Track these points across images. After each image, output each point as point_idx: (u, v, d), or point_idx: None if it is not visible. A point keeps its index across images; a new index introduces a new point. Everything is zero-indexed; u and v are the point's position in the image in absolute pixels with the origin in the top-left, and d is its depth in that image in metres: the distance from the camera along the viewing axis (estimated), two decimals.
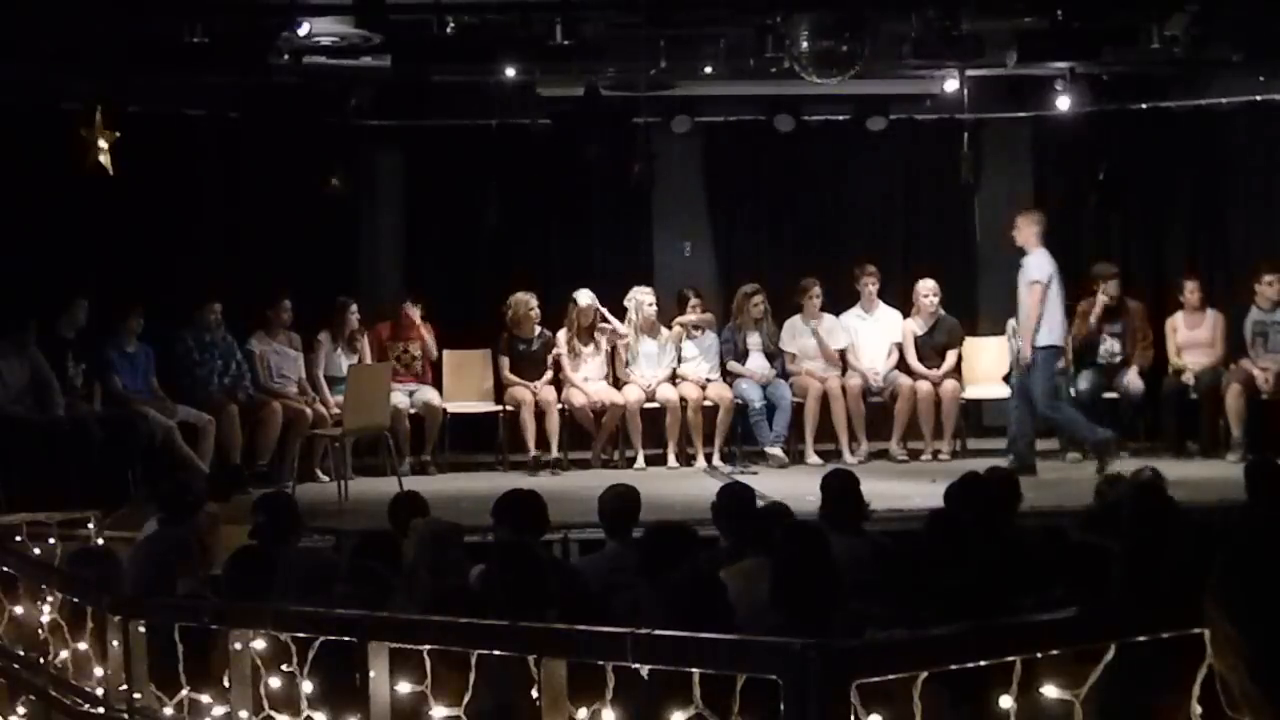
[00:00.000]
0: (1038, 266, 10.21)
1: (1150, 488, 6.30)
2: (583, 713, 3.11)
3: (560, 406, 11.08)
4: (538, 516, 6.51)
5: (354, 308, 11.15)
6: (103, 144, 9.73)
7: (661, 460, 11.09)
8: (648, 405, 11.20)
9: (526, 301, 11.29)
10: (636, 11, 9.76)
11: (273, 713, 3.79)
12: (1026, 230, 10.35)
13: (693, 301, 11.58)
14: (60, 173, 10.02)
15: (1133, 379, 11.11)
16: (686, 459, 11.14)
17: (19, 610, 5.18)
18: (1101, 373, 11.20)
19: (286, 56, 9.86)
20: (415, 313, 11.33)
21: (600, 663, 2.91)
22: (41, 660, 5.01)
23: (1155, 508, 5.65)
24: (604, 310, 11.35)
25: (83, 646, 4.75)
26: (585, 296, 11.30)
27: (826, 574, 5.06)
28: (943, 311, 11.58)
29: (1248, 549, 1.71)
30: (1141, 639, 2.63)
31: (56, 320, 9.95)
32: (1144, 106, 12.04)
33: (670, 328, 11.49)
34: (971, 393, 11.59)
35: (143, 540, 6.88)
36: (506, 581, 4.80)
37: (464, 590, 5.25)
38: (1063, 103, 11.43)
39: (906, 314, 11.59)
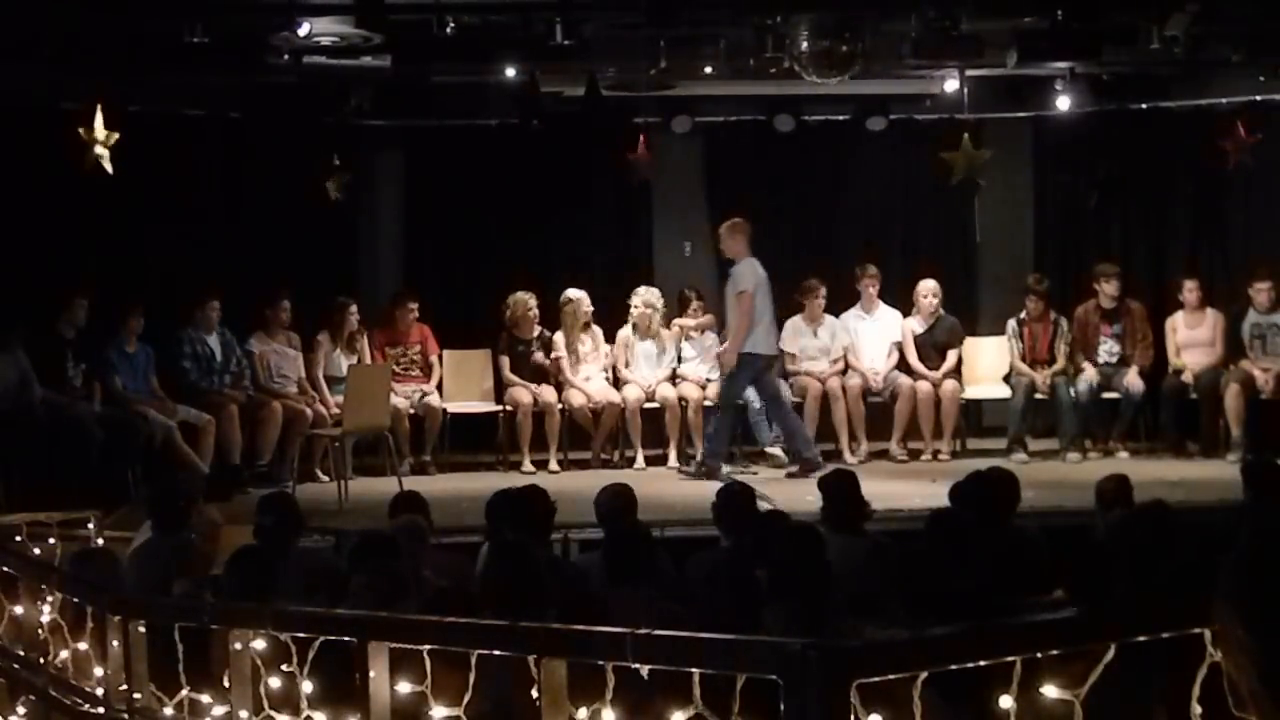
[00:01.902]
0: (744, 275, 10.26)
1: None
2: (583, 713, 3.11)
3: (560, 407, 11.08)
4: (535, 516, 6.51)
5: (353, 308, 11.14)
6: (103, 144, 9.72)
7: (661, 460, 11.09)
8: (647, 405, 11.20)
9: (525, 301, 11.29)
10: (636, 11, 9.75)
11: (273, 713, 3.79)
12: (732, 242, 10.42)
13: (694, 304, 11.57)
14: (60, 173, 10.01)
15: (1133, 379, 11.10)
16: (686, 459, 11.13)
17: (19, 610, 5.18)
18: (1101, 373, 11.19)
19: (286, 56, 9.86)
20: (412, 312, 11.34)
21: (600, 663, 2.91)
22: (41, 660, 5.01)
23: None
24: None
25: (83, 646, 4.76)
26: (573, 293, 11.33)
27: (823, 575, 5.07)
28: (943, 311, 11.57)
29: (1258, 550, 1.68)
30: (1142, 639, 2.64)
31: (56, 320, 9.95)
32: (1144, 106, 12.04)
33: (669, 328, 11.49)
34: (971, 393, 11.60)
35: (137, 548, 6.86)
36: (503, 581, 4.80)
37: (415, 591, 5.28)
38: (1063, 103, 11.44)
39: (906, 314, 11.59)
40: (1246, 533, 1.77)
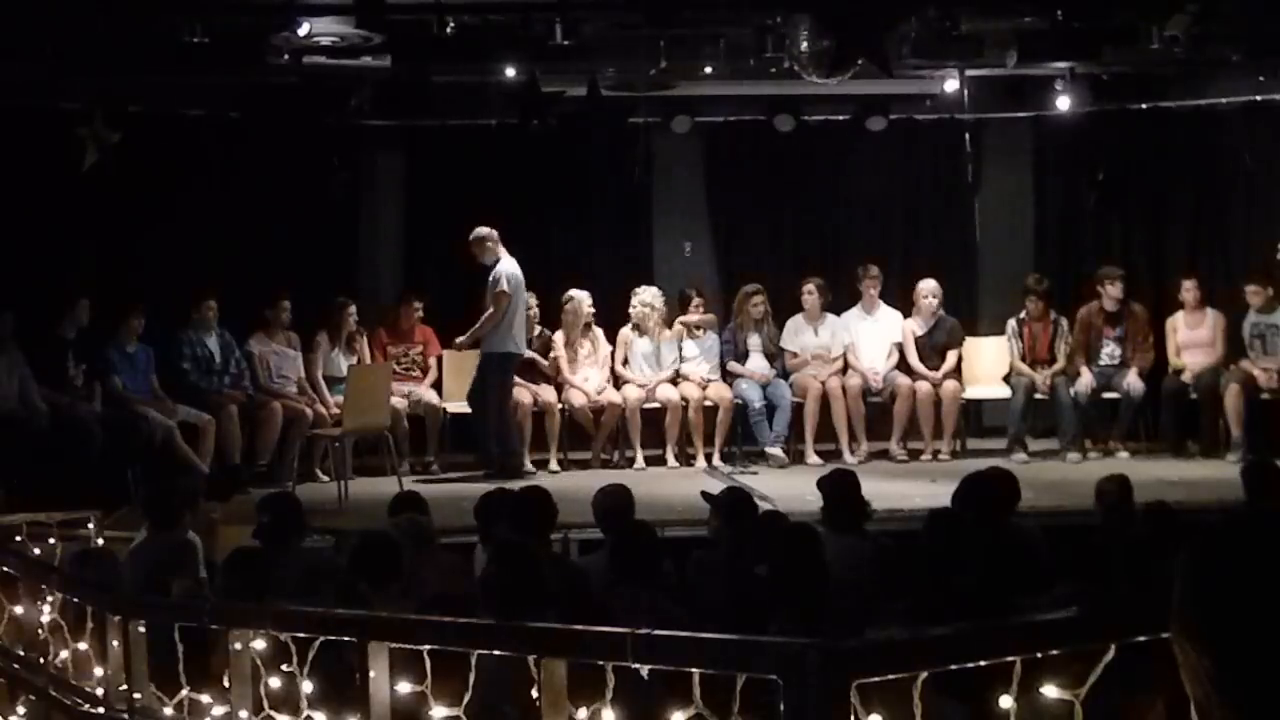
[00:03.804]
0: (501, 277, 10.50)
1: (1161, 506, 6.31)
2: (583, 713, 3.11)
3: (560, 407, 11.08)
4: (535, 516, 6.51)
5: (352, 308, 11.15)
6: (103, 144, 9.72)
7: (661, 460, 11.09)
8: (648, 405, 11.20)
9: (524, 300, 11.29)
10: (636, 11, 9.75)
11: (273, 713, 3.79)
12: (481, 250, 10.67)
13: (695, 302, 11.58)
14: (60, 173, 10.01)
15: (1133, 380, 11.09)
16: (686, 459, 11.13)
17: (19, 610, 5.18)
18: (1101, 374, 11.19)
19: (286, 56, 9.86)
20: (417, 311, 11.39)
21: (600, 663, 2.91)
22: (41, 660, 5.01)
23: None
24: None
25: (83, 646, 4.75)
26: (575, 292, 11.34)
27: (822, 575, 5.07)
28: (943, 312, 11.57)
29: (1216, 561, 1.42)
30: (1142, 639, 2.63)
31: (57, 320, 9.94)
32: (1144, 106, 12.04)
33: (671, 327, 11.49)
34: (971, 393, 11.58)
35: (135, 548, 6.86)
36: (503, 582, 4.80)
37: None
38: (1063, 103, 11.43)
39: (907, 314, 11.59)
40: (1200, 538, 1.47)
